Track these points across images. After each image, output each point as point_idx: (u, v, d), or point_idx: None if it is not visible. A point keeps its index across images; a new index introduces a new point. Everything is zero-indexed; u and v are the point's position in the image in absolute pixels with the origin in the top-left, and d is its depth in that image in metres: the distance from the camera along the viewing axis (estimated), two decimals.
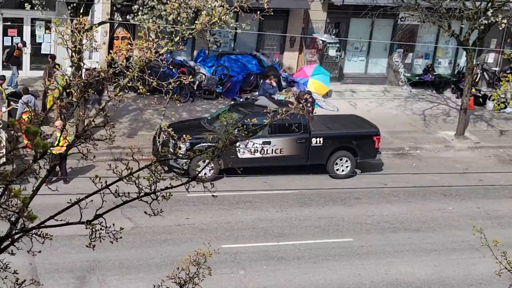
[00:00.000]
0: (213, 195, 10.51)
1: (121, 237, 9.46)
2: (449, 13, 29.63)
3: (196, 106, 31.02)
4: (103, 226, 9.29)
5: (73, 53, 9.41)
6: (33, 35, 31.59)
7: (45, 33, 31.33)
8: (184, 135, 10.54)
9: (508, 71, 31.36)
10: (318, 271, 21.17)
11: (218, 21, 10.38)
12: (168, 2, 14.09)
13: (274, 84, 31.06)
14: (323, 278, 20.88)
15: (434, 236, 23.65)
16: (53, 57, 29.27)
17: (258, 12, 12.65)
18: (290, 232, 23.02)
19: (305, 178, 26.39)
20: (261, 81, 31.77)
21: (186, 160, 23.44)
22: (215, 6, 23.67)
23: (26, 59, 31.56)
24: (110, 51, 28.34)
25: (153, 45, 9.25)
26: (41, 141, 4.64)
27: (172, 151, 24.37)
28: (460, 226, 24.19)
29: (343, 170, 26.89)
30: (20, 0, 25.50)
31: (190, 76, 13.77)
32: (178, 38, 10.38)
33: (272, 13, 13.47)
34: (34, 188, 8.20)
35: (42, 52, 31.79)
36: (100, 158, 24.67)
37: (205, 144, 23.10)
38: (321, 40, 34.04)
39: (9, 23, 31.09)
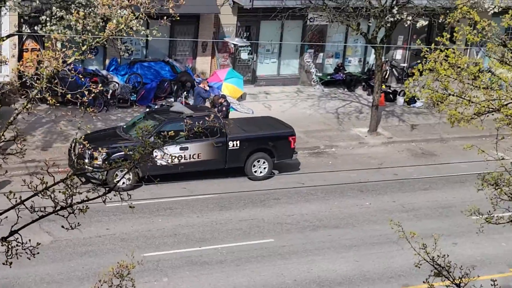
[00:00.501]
0: (130, 206, 10.41)
1: (38, 253, 9.26)
2: (356, 12, 30.07)
3: (111, 115, 30.69)
4: (19, 242, 9.08)
5: None
6: None
7: None
8: (99, 147, 10.41)
9: (415, 66, 31.96)
10: (241, 274, 21.20)
11: (125, 28, 10.28)
12: (75, 12, 13.89)
13: (207, 88, 31.02)
14: (246, 280, 20.92)
15: (353, 232, 23.96)
16: None
17: (165, 18, 12.61)
18: (211, 237, 22.98)
19: (224, 182, 26.39)
20: (195, 86, 31.65)
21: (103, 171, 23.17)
22: (124, 14, 23.51)
23: None
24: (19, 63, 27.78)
25: (60, 55, 9.10)
26: None
27: (88, 163, 24.06)
28: (378, 221, 24.57)
29: (261, 172, 26.99)
30: None
31: (100, 85, 13.50)
32: (85, 47, 10.25)
33: (178, 18, 13.44)
34: None
35: None
36: (15, 173, 24.17)
37: (122, 153, 22.84)
38: (233, 44, 34.10)
39: None
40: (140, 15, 10.52)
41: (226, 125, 26.82)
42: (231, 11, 33.84)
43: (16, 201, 9.05)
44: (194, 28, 33.62)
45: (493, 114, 10.85)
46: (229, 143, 26.44)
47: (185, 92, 31.82)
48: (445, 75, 10.29)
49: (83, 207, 9.28)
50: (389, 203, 25.90)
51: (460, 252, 22.81)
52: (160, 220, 23.67)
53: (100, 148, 10.05)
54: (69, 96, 9.99)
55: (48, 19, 25.39)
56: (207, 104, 30.78)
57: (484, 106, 10.47)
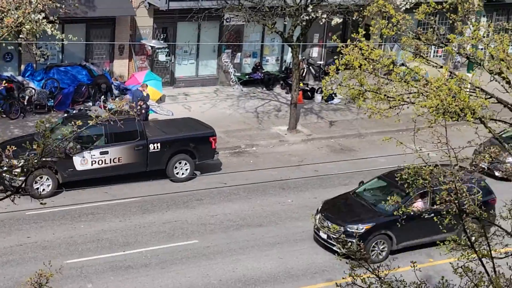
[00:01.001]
0: (41, 203, 10.28)
1: None
2: (271, 11, 30.24)
3: (28, 122, 30.11)
4: None
5: None
6: None
7: None
8: (8, 147, 10.19)
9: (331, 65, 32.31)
10: (167, 276, 21.09)
11: (24, 20, 10.15)
12: None
13: (147, 92, 30.72)
14: (172, 282, 20.83)
15: (277, 230, 24.09)
16: None
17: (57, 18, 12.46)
18: (135, 240, 22.80)
19: (146, 185, 26.21)
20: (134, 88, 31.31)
21: (22, 178, 22.69)
22: (38, 18, 23.12)
23: None
24: None
25: None
26: None
27: (6, 169, 23.52)
28: (300, 217, 24.75)
29: (183, 173, 26.89)
30: None
31: (4, 82, 13.37)
32: None
33: (68, 12, 13.23)
34: None
35: None
36: None
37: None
38: (150, 46, 33.88)
39: None
40: (48, 15, 10.39)
41: (146, 128, 26.64)
42: (147, 13, 33.62)
43: None
44: (110, 31, 33.27)
45: (408, 107, 11.06)
46: (150, 146, 26.26)
47: (102, 96, 31.47)
48: (360, 69, 10.44)
49: None
50: (311, 200, 26.12)
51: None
52: (82, 226, 23.35)
53: (8, 147, 9.85)
54: None
55: None
56: (126, 107, 30.45)
57: (399, 100, 10.66)
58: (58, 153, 9.96)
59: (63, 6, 13.62)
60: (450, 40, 11.15)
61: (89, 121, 11.72)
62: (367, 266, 12.02)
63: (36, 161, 9.38)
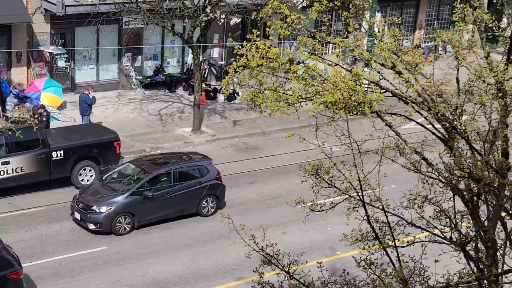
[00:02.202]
0: None
1: None
2: (170, 13, 30.20)
3: None
4: None
5: None
6: None
7: None
8: None
9: (231, 65, 32.49)
10: (77, 285, 20.87)
11: None
12: None
13: (93, 94, 30.30)
14: None
15: (186, 231, 24.12)
16: None
17: None
18: (42, 250, 22.46)
19: (51, 193, 25.83)
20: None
21: None
22: None
23: None
24: None
25: None
26: None
27: None
28: (208, 218, 24.84)
29: (88, 180, 26.59)
30: None
31: None
32: None
33: None
34: None
35: None
36: None
37: None
38: (48, 52, 33.34)
39: None
40: None
41: (48, 136, 26.23)
42: (44, 19, 33.07)
43: None
44: (6, 39, 32.58)
45: (306, 104, 11.27)
46: (53, 154, 25.88)
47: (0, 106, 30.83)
48: (257, 68, 10.58)
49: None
50: None
51: (289, 241, 23.48)
52: None
53: None
54: None
55: None
56: (27, 115, 29.91)
57: (297, 97, 10.85)
58: None
59: None
60: (337, 43, 11.41)
61: None
62: (277, 263, 12.19)
63: None
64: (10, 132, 23.53)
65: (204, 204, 25.12)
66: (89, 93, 30.67)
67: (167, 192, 24.49)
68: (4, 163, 24.98)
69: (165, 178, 24.86)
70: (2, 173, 25.02)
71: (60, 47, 33.61)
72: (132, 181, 24.50)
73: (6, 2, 31.22)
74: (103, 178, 25.20)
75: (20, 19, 32.09)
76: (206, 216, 24.98)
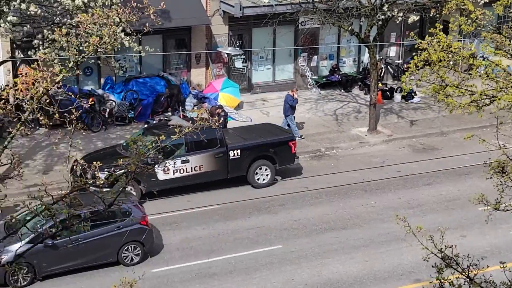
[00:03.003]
0: (132, 219, 10.47)
1: None
2: (347, 12, 30.05)
3: (110, 134, 30.66)
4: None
5: None
6: None
7: None
8: (94, 163, 10.38)
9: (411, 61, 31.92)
10: (252, 282, 21.14)
11: (110, 40, 10.29)
12: (57, 30, 13.96)
13: (296, 95, 30.78)
14: None
15: (361, 232, 23.90)
16: None
17: (140, 33, 12.75)
18: (219, 247, 22.92)
19: (228, 192, 26.33)
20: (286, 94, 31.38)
21: (106, 190, 23.06)
22: (110, 31, 23.47)
23: None
24: (10, 87, 27.75)
25: (47, 75, 9.09)
26: None
27: (89, 182, 23.93)
28: (384, 219, 24.50)
29: (264, 179, 26.92)
30: None
31: (91, 99, 13.62)
32: (71, 63, 10.26)
33: (151, 30, 13.51)
34: None
35: None
36: (18, 199, 24.15)
37: (123, 171, 22.75)
38: (226, 53, 34.09)
39: None
40: (125, 28, 10.59)
41: (226, 135, 26.77)
42: (222, 21, 33.83)
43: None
44: (186, 41, 33.61)
45: (491, 103, 10.81)
46: (230, 153, 26.39)
47: (180, 106, 31.78)
48: (439, 63, 10.24)
49: (82, 223, 9.32)
50: (394, 201, 25.84)
51: (468, 244, 22.72)
52: (166, 235, 23.60)
53: (94, 162, 10.04)
54: (56, 115, 9.96)
55: (40, 42, 25.38)
56: (205, 115, 30.66)
57: (481, 94, 10.42)
58: (145, 169, 10.14)
59: (147, 24, 13.94)
60: None
61: (172, 136, 11.94)
62: (456, 267, 11.78)
63: (127, 178, 9.57)
64: (195, 136, 24.09)
65: (125, 253, 21.80)
66: (293, 94, 30.76)
67: (75, 239, 20.98)
68: (183, 162, 25.72)
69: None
70: (181, 171, 25.78)
71: (238, 48, 34.27)
72: (39, 225, 20.29)
73: (186, 5, 32.18)
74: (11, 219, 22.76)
75: (199, 22, 32.99)
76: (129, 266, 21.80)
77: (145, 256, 22.09)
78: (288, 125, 30.31)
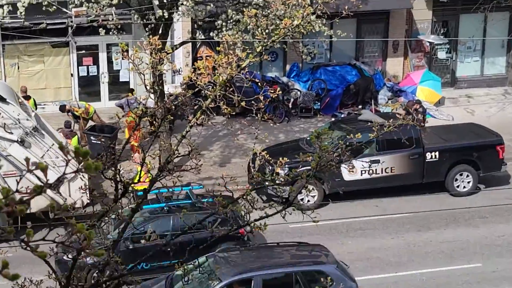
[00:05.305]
0: (314, 221, 10.44)
1: None
2: None
3: (293, 126, 30.94)
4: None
5: (146, 79, 9.40)
6: (110, 62, 32.02)
7: (122, 59, 31.65)
8: (280, 159, 10.41)
9: None
10: None
11: (303, 24, 10.24)
12: (246, 10, 14.09)
13: None
14: None
15: None
16: (63, 109, 28.53)
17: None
18: (409, 260, 22.63)
19: (422, 198, 25.93)
20: None
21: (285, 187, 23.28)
22: (304, 13, 23.62)
23: (104, 88, 32.01)
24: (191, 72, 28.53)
25: (233, 59, 9.14)
26: (92, 163, 4.51)
27: (269, 178, 24.25)
28: None
29: (464, 187, 26.32)
30: (93, 26, 25.84)
31: (279, 89, 13.71)
32: (259, 48, 10.28)
33: (350, 13, 13.37)
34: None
35: (120, 79, 32.20)
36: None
37: (307, 168, 22.86)
38: (428, 42, 33.59)
39: (83, 51, 31.57)
40: (320, 11, 10.50)
41: (423, 134, 26.34)
42: (426, 5, 33.34)
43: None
44: (383, 27, 33.40)
45: None
46: (427, 155, 25.95)
47: (372, 100, 31.61)
48: None
49: (261, 224, 9.37)
50: None
51: None
52: (350, 242, 23.55)
53: (280, 158, 10.08)
54: (243, 103, 10.02)
55: (223, 23, 25.92)
56: (400, 110, 30.37)
57: None
58: (334, 166, 10.05)
59: (346, 6, 13.92)
60: None
61: (369, 134, 11.80)
62: None
63: (308, 176, 9.52)
64: (395, 137, 23.87)
65: None
66: None
67: None
68: (374, 162, 25.50)
69: None
70: (370, 172, 25.59)
71: (442, 37, 33.71)
72: None
73: None
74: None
75: (400, 5, 32.70)
76: None
77: None
78: None
